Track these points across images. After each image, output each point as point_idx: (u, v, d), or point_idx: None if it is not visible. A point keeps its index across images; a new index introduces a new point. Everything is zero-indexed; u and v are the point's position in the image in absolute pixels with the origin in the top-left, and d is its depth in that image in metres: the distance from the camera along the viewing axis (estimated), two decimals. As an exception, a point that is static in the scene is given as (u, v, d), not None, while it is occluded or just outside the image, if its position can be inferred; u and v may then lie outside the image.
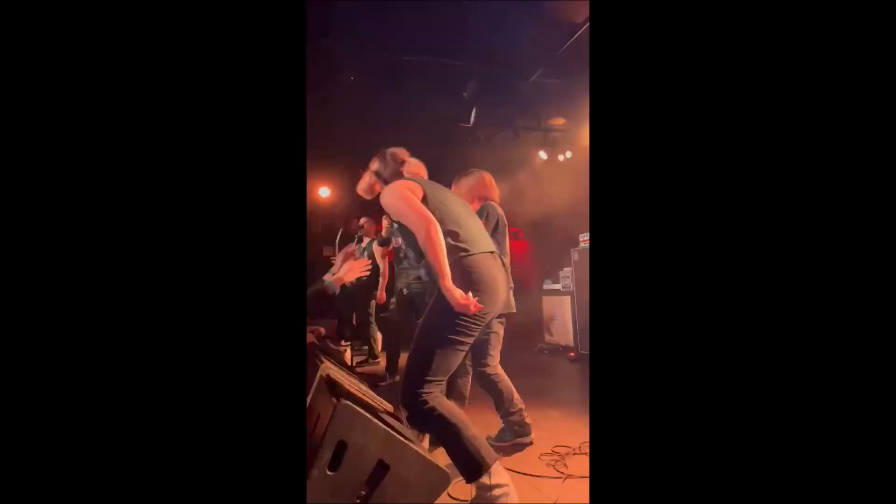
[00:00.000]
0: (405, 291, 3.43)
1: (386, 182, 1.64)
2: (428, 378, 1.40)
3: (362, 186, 1.71)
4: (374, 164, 1.70)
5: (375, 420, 1.27)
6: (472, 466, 1.36)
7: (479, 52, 3.53)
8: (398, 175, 1.66)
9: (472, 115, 3.71)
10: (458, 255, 1.44)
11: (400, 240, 3.32)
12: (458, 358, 1.46)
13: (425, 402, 1.38)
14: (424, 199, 1.49)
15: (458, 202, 1.64)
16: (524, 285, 7.13)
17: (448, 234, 1.44)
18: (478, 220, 1.66)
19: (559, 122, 4.96)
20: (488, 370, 2.05)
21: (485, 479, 1.34)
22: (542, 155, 5.16)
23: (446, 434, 1.38)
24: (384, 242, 3.31)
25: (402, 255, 3.37)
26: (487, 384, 2.06)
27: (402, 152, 1.69)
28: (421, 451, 1.30)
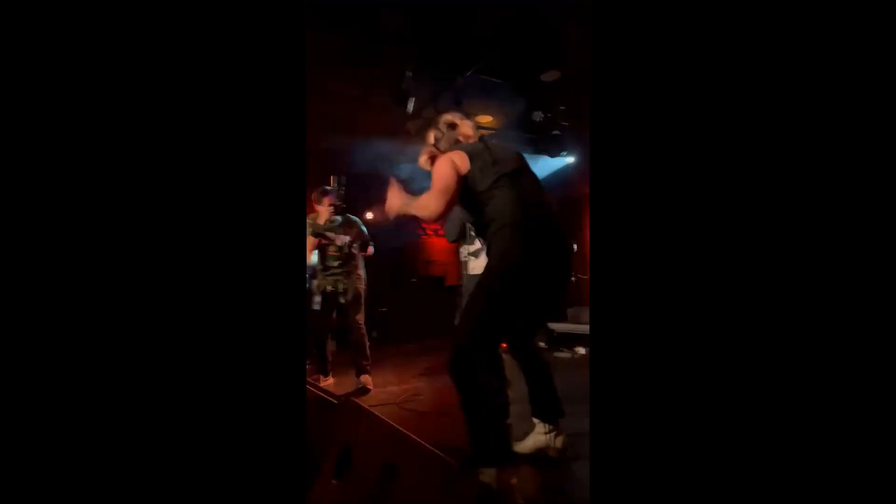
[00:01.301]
0: (329, 288, 3.14)
1: (443, 152, 1.64)
2: (483, 344, 1.38)
3: (422, 160, 1.75)
4: (430, 137, 1.73)
5: (381, 416, 1.15)
6: (487, 453, 1.30)
7: (418, 42, 3.46)
8: (455, 142, 1.68)
9: (411, 104, 3.62)
10: (491, 228, 1.44)
11: (342, 238, 3.03)
12: (501, 331, 1.46)
13: (473, 368, 1.35)
14: (469, 172, 1.50)
15: (508, 165, 1.54)
16: (448, 281, 7.18)
17: (480, 202, 1.47)
18: (525, 183, 1.55)
19: (486, 119, 5.05)
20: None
21: (486, 479, 1.28)
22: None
23: (478, 410, 1.34)
24: (317, 234, 3.01)
25: (338, 250, 3.08)
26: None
27: (452, 116, 1.74)
28: (429, 447, 1.21)
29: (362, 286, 3.17)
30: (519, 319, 1.45)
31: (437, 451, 1.21)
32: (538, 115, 4.38)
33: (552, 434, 1.70)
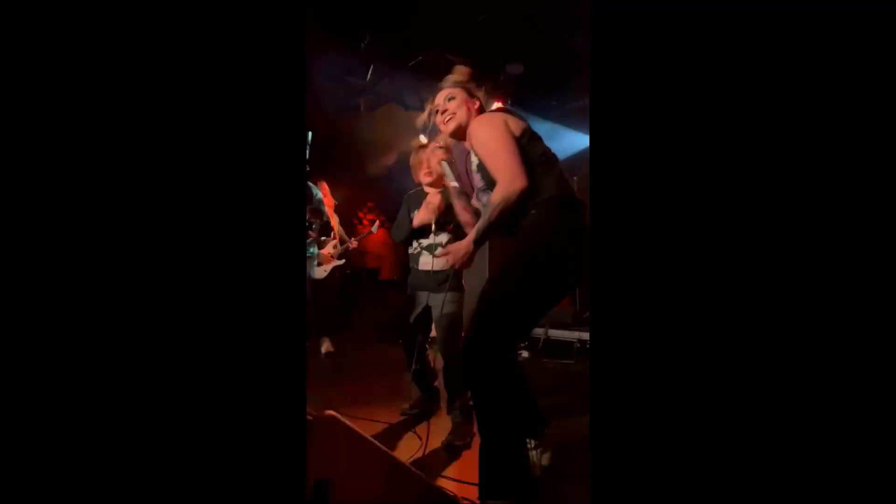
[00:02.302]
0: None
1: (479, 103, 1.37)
2: (507, 337, 1.16)
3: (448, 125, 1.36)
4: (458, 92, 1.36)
5: (371, 439, 0.82)
6: (504, 482, 1.00)
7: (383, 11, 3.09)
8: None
9: (370, 71, 3.24)
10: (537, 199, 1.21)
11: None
12: (539, 317, 1.25)
13: (496, 365, 1.10)
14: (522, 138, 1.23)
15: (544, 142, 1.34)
16: (384, 275, 6.77)
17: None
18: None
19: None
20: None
21: None
22: (422, 139, 4.91)
23: (503, 421, 1.08)
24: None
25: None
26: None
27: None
28: (426, 479, 0.89)
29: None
30: (548, 307, 1.22)
31: (438, 487, 0.91)
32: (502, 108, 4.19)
33: (537, 451, 1.46)
